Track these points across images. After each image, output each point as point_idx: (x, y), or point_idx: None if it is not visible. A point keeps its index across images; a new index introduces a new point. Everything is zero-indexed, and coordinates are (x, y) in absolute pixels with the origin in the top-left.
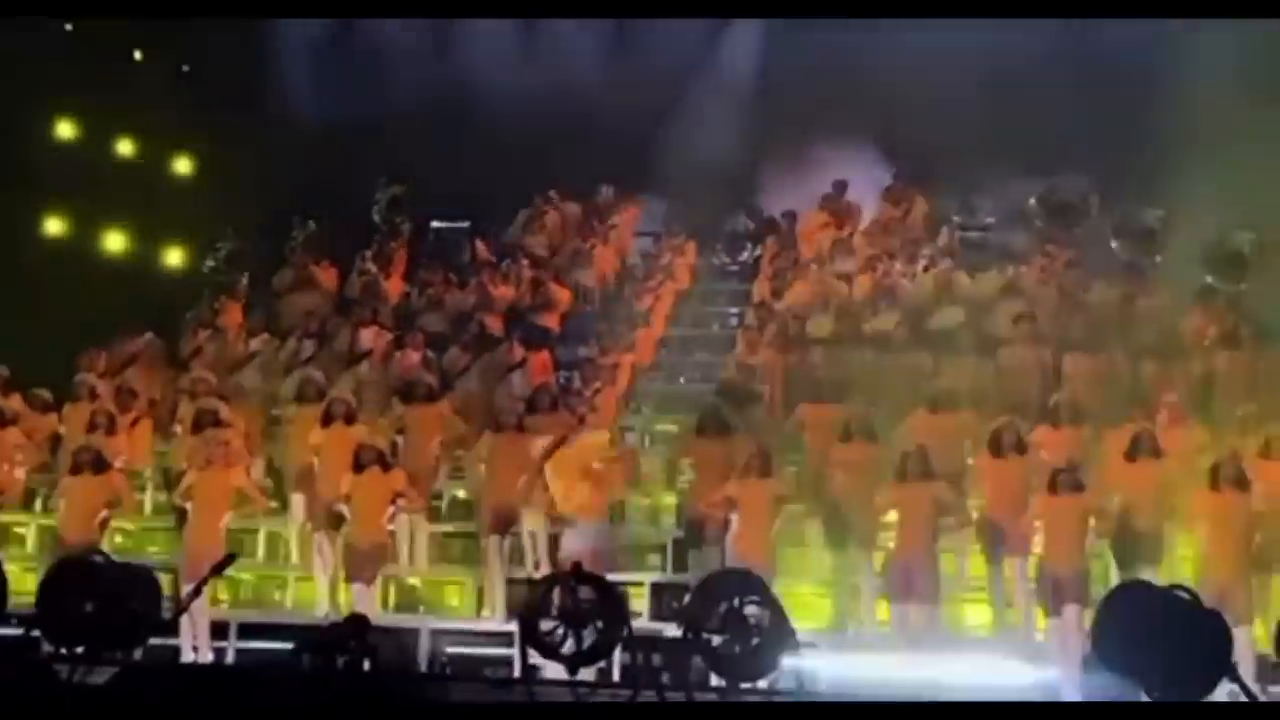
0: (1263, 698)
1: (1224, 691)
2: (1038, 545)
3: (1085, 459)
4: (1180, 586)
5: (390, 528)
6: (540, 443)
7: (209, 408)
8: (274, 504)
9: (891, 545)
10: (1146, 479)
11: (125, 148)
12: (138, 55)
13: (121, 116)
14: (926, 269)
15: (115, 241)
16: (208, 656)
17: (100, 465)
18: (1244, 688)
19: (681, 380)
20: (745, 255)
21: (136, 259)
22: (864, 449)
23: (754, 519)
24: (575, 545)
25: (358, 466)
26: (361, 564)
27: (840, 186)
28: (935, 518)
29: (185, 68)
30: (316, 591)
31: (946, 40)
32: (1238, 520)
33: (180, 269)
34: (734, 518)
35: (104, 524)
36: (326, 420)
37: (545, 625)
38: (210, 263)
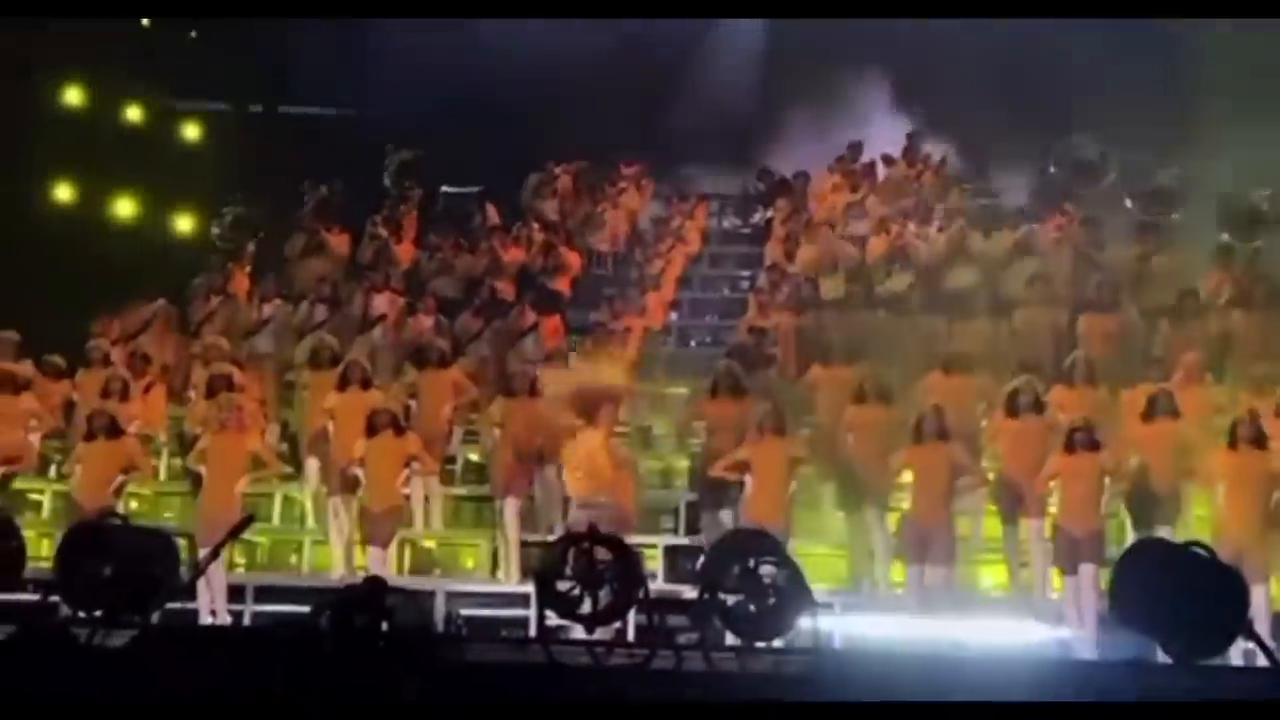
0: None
1: (1240, 649)
2: (1053, 505)
3: (1101, 419)
4: (1197, 544)
5: (405, 491)
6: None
7: (222, 372)
8: (288, 468)
9: (906, 506)
10: (1164, 439)
11: (134, 113)
12: (145, 21)
13: (130, 82)
14: (940, 230)
15: (126, 207)
16: (225, 619)
17: (115, 430)
18: (1261, 645)
19: (692, 344)
20: (757, 217)
21: (147, 225)
22: (878, 410)
23: (769, 480)
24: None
25: (371, 430)
26: (377, 527)
27: (855, 147)
28: (951, 479)
29: (193, 33)
30: (332, 555)
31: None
32: (1255, 479)
33: (191, 234)
34: (748, 479)
35: (120, 489)
36: (342, 384)
37: (562, 586)
38: (215, 229)
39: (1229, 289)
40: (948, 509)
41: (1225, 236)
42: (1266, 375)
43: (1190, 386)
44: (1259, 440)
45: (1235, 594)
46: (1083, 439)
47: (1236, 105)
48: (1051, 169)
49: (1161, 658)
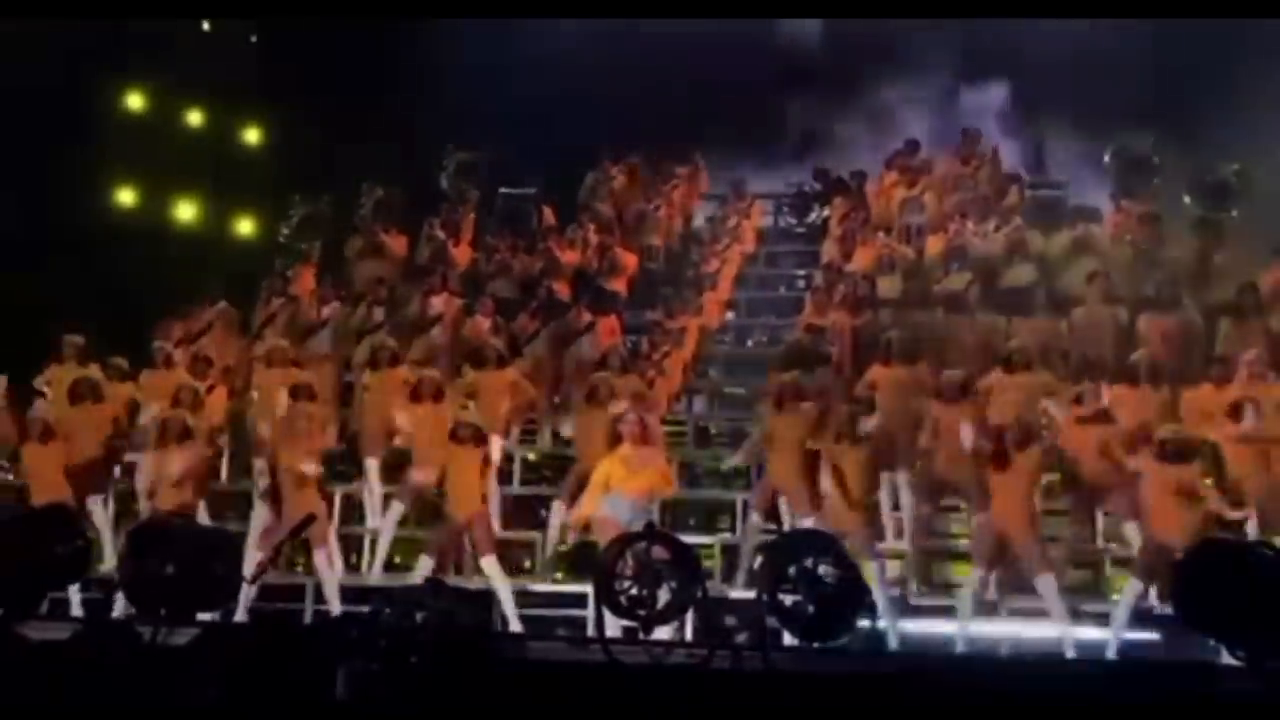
0: None
1: None
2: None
3: (1164, 419)
4: (1265, 543)
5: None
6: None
7: (304, 381)
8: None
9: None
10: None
11: (195, 118)
12: (206, 25)
13: (191, 86)
14: (998, 228)
15: (187, 211)
16: (336, 609)
17: (185, 436)
18: None
19: (749, 343)
20: (813, 216)
21: (209, 228)
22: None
23: (848, 483)
24: (608, 512)
25: (455, 441)
26: (480, 537)
27: (912, 145)
28: (1038, 483)
29: (253, 38)
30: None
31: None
32: None
33: (251, 237)
34: (826, 485)
35: (198, 492)
36: (415, 397)
37: (620, 585)
38: (284, 230)
39: None
40: (1037, 514)
41: None
42: None
43: (1254, 385)
44: None
45: None
46: (1173, 451)
47: None
48: (1108, 168)
49: (1228, 660)
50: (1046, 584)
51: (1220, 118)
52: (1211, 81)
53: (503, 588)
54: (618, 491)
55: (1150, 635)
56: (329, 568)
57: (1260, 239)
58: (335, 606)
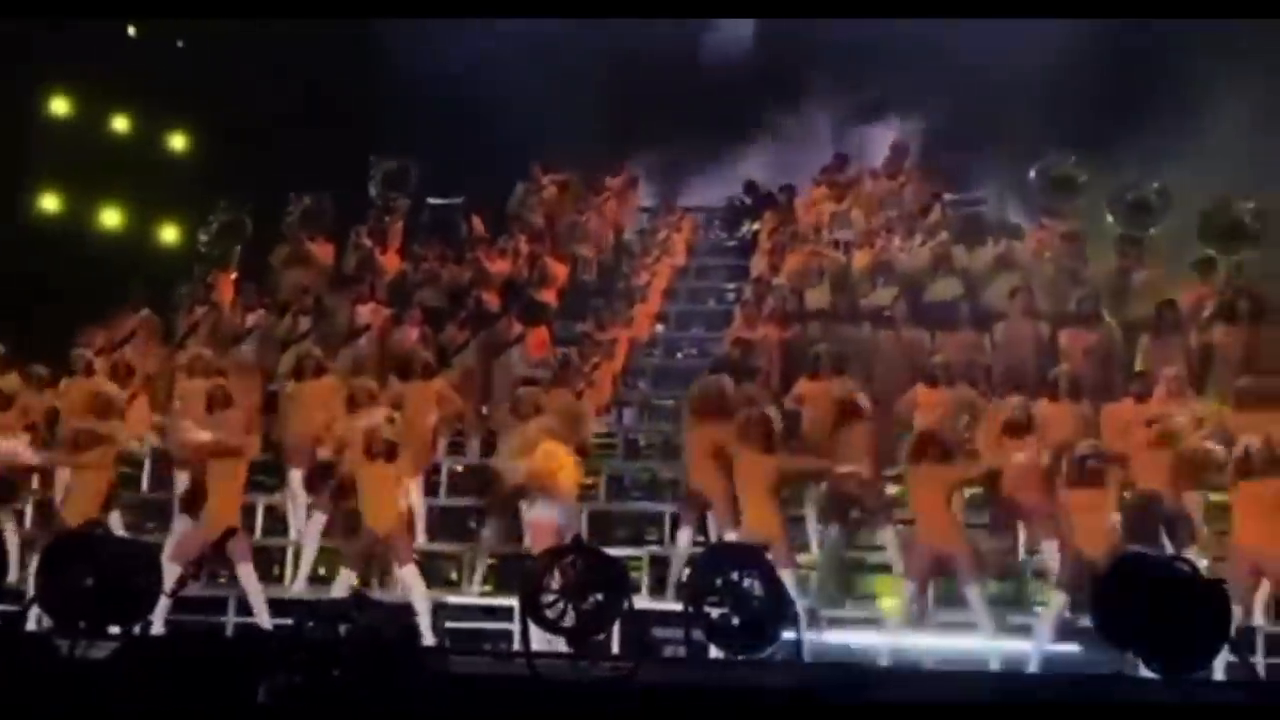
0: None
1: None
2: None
3: (1085, 433)
4: (1179, 558)
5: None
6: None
7: (220, 387)
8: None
9: (908, 524)
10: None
11: (120, 124)
12: (132, 30)
13: (116, 92)
14: (923, 243)
15: (111, 217)
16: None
17: (98, 445)
18: (1243, 659)
19: (679, 356)
20: (743, 230)
21: (132, 235)
22: (866, 426)
23: (758, 492)
24: (541, 514)
25: (370, 454)
26: (398, 548)
27: (841, 159)
28: (957, 495)
29: (180, 43)
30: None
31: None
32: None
33: (176, 245)
34: (741, 494)
35: (108, 503)
36: (352, 407)
37: (546, 598)
38: (203, 238)
39: (1211, 302)
40: (960, 525)
41: (1207, 250)
42: (1247, 389)
43: (1172, 401)
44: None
45: (1218, 608)
46: (1093, 468)
47: (1218, 118)
48: (1031, 184)
49: (1145, 672)
50: (977, 594)
51: (1141, 137)
52: (1133, 101)
53: (419, 599)
54: (551, 494)
55: (1071, 648)
56: (253, 581)
57: (1180, 257)
58: (264, 620)
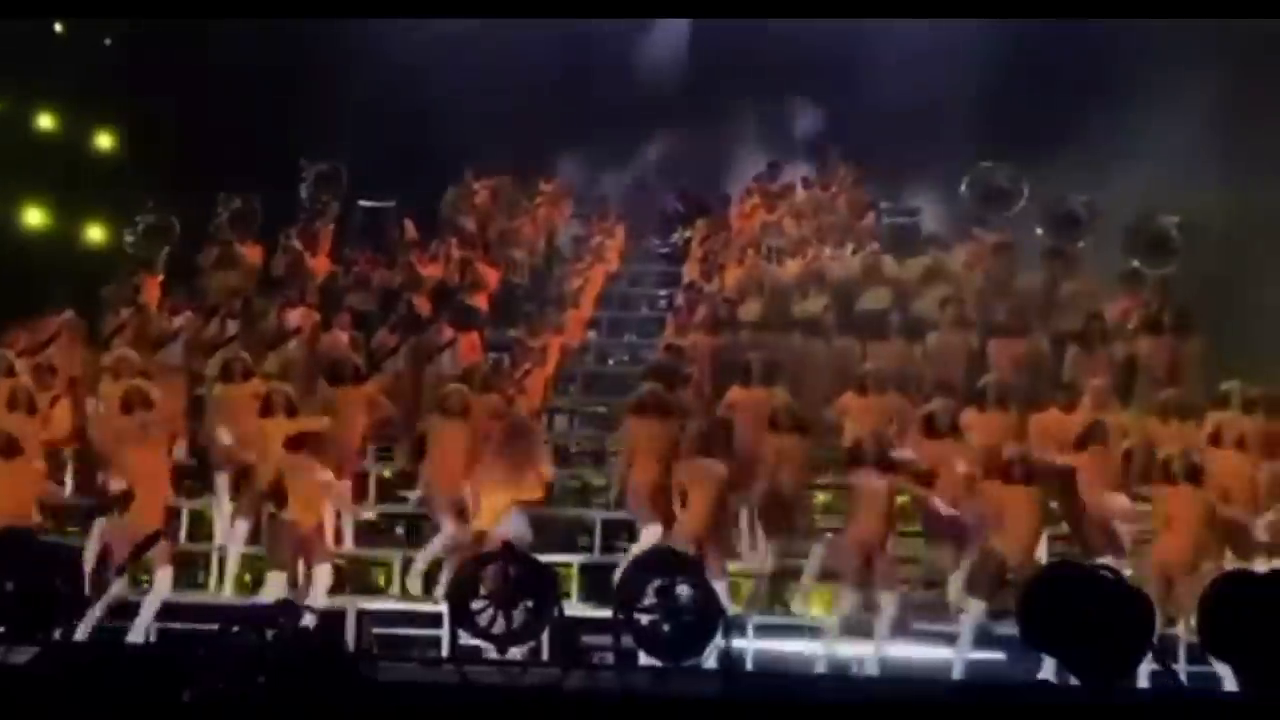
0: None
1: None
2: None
3: (1011, 441)
4: (1104, 567)
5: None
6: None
7: (139, 388)
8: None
9: (836, 530)
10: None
11: (46, 121)
12: (59, 28)
13: (43, 89)
14: (854, 252)
15: (35, 216)
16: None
17: (13, 450)
18: (1166, 668)
19: (610, 362)
20: (675, 237)
21: (57, 235)
22: (794, 437)
23: (701, 499)
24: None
25: (294, 450)
26: (313, 546)
27: (774, 167)
28: (893, 502)
29: (108, 41)
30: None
31: (879, 25)
32: (1193, 512)
33: (101, 245)
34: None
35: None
36: (266, 411)
37: (475, 605)
38: (129, 237)
39: (1137, 315)
40: (890, 532)
41: (1134, 262)
42: (1172, 401)
43: (1097, 412)
44: (1193, 473)
45: (1142, 617)
46: (1020, 471)
47: (1145, 133)
48: (963, 196)
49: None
50: (892, 601)
51: (1070, 150)
52: (1065, 114)
53: (321, 597)
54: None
55: (995, 655)
56: (166, 586)
57: (1107, 269)
58: (140, 629)
